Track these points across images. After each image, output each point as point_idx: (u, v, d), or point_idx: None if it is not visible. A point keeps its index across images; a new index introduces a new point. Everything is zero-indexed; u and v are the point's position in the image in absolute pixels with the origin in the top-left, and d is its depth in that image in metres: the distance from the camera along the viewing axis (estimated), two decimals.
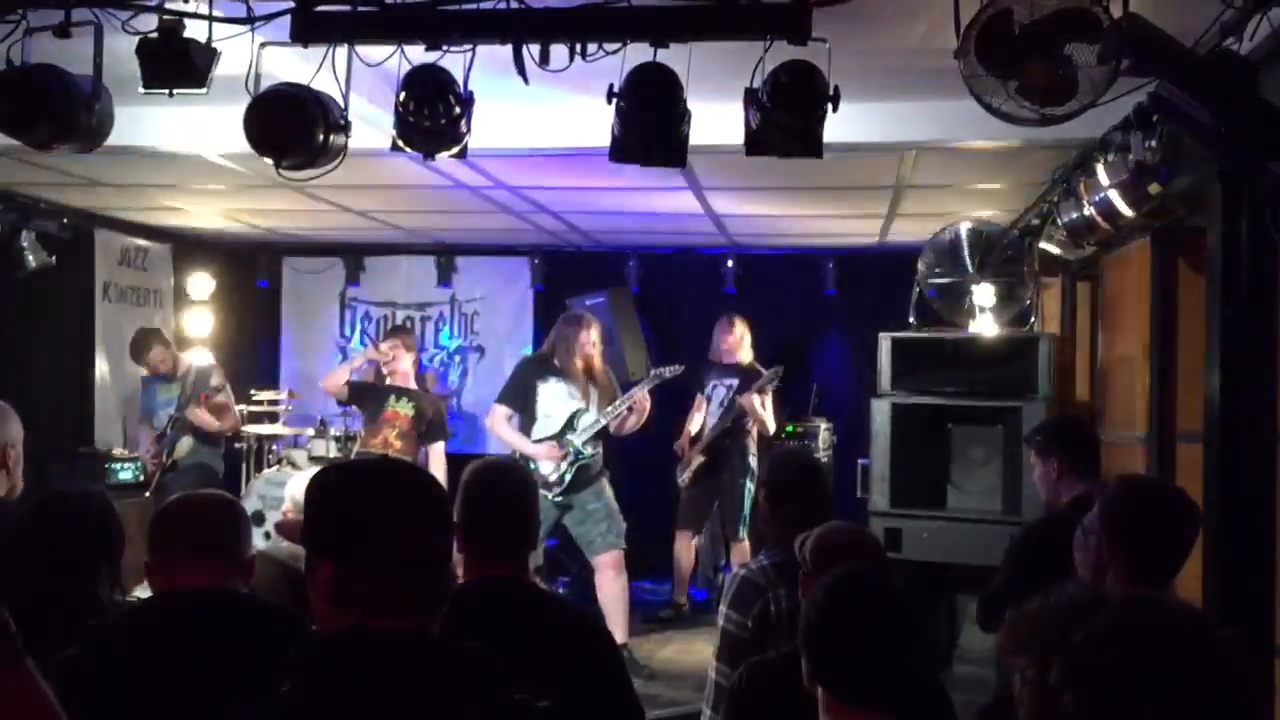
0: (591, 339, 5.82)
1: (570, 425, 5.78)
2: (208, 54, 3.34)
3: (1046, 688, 1.03)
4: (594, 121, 3.81)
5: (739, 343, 7.09)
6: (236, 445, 7.91)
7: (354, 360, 6.57)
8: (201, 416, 6.61)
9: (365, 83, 3.96)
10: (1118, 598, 1.07)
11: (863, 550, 2.55)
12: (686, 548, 7.10)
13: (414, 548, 1.50)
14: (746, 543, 6.83)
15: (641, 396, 5.81)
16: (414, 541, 1.50)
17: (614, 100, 3.34)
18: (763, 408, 6.82)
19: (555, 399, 5.83)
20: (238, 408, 7.08)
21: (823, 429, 7.80)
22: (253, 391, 8.19)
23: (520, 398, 5.89)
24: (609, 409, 5.77)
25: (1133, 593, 1.10)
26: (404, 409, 6.36)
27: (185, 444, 6.66)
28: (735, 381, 7.02)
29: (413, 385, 6.59)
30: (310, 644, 1.48)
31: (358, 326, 9.31)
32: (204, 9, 3.34)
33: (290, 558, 2.82)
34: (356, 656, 1.44)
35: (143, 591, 2.82)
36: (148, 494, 6.60)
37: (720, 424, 6.95)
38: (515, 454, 5.72)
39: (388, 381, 6.51)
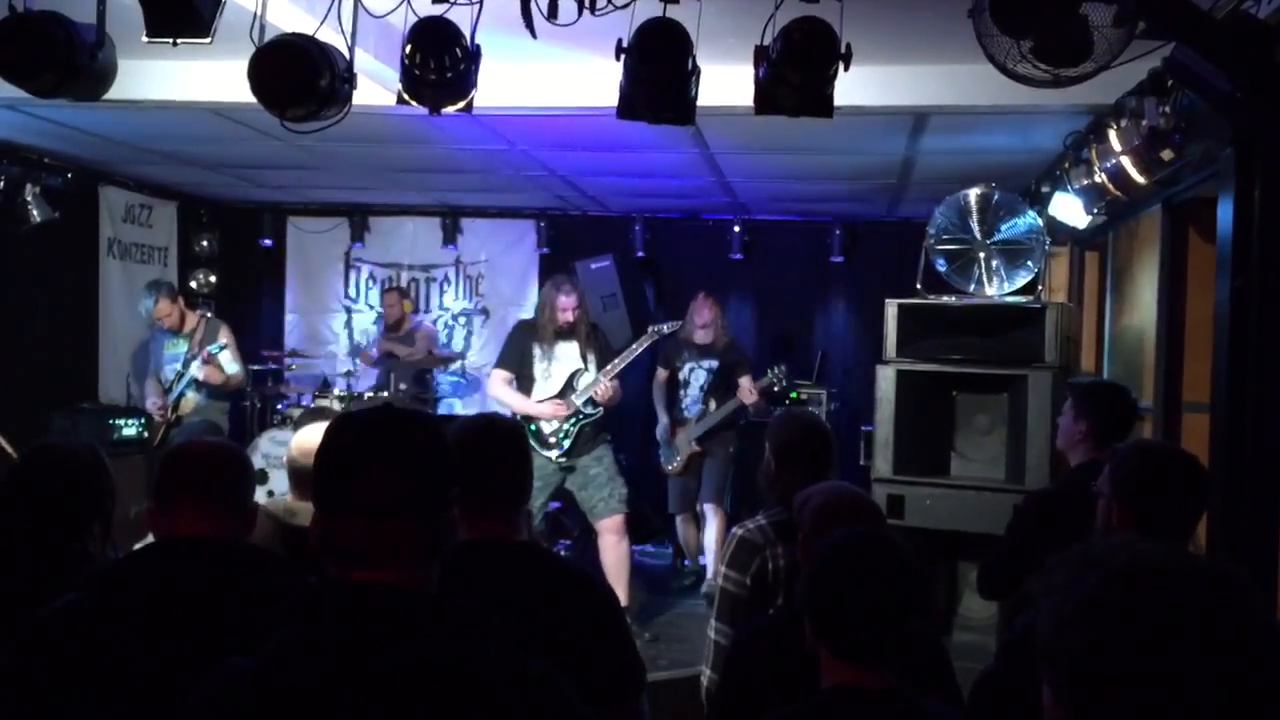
0: (568, 303, 5.77)
1: (570, 385, 5.78)
2: (212, 2, 3.30)
3: (1060, 626, 1.03)
4: (603, 81, 3.78)
5: (715, 322, 6.74)
6: (242, 404, 7.92)
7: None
8: (207, 372, 6.59)
9: (371, 38, 3.93)
10: (1137, 545, 1.07)
11: (863, 513, 2.53)
12: (687, 520, 7.05)
13: (384, 493, 1.44)
14: (720, 512, 6.67)
15: (609, 384, 5.74)
16: (383, 487, 1.45)
17: (622, 56, 3.30)
18: (754, 395, 6.62)
19: (551, 361, 5.82)
20: (238, 368, 6.95)
21: (824, 396, 7.79)
22: (263, 352, 8.21)
23: (516, 361, 5.88)
24: (608, 367, 5.77)
25: (1151, 541, 1.09)
26: None
27: (191, 399, 6.66)
28: (715, 363, 6.76)
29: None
30: (295, 597, 1.47)
31: (362, 287, 9.30)
32: None
33: (285, 512, 2.80)
34: (331, 610, 1.43)
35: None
36: (155, 446, 6.63)
37: (720, 418, 6.71)
38: (517, 415, 5.70)
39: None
